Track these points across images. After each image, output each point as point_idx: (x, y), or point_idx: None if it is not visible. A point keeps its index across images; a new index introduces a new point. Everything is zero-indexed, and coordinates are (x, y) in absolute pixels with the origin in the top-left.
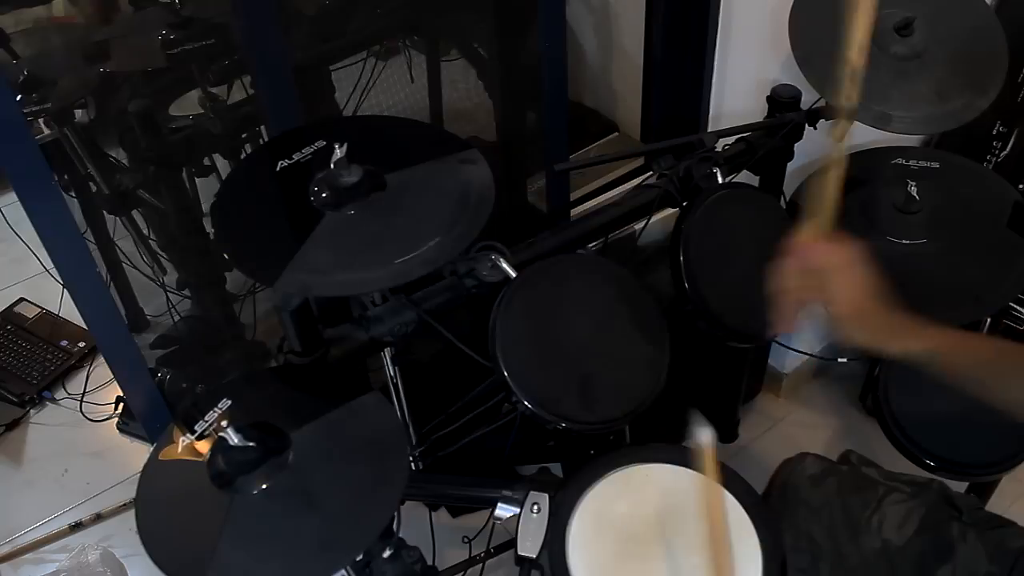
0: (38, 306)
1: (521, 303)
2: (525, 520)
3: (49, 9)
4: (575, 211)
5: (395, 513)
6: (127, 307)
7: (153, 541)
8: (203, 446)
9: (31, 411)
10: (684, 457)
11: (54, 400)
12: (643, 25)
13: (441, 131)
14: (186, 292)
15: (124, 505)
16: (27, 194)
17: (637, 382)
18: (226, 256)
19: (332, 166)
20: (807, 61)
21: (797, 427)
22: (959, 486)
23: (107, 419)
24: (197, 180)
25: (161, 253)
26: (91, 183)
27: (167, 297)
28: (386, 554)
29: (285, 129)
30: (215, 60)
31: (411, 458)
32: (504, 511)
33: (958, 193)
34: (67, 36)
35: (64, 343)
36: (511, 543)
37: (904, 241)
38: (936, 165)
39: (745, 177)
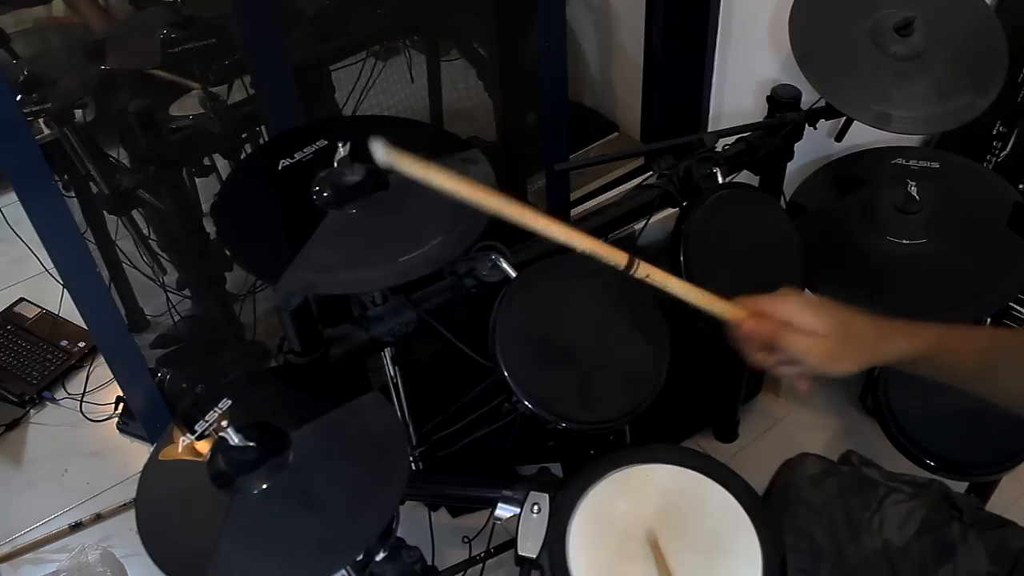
0: (38, 306)
1: (521, 303)
2: (525, 520)
3: (49, 9)
4: (575, 211)
5: (395, 513)
6: (127, 307)
7: (153, 541)
8: (203, 446)
9: (31, 411)
10: (684, 457)
11: (54, 400)
12: (643, 25)
13: (442, 131)
14: (186, 292)
15: (124, 505)
16: (27, 194)
17: (637, 382)
18: (228, 254)
19: (335, 165)
20: (807, 61)
21: (797, 427)
22: (959, 486)
23: (107, 419)
24: (197, 180)
25: (161, 253)
26: (91, 183)
27: (167, 297)
28: (386, 554)
29: (285, 129)
30: (215, 60)
31: (411, 458)
32: (504, 511)
33: (958, 193)
34: (67, 36)
35: (64, 343)
36: (511, 543)
37: (904, 241)
38: (936, 165)
39: (745, 177)
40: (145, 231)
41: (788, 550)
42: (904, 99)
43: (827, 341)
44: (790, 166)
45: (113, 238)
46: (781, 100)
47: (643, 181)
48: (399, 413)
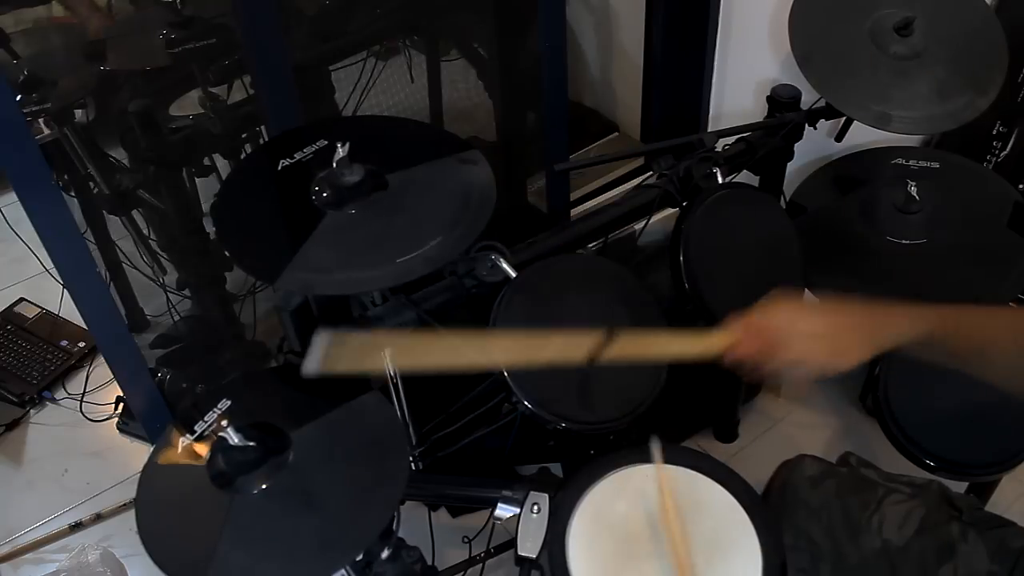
0: (38, 306)
1: (521, 303)
2: (525, 520)
3: (49, 9)
4: (575, 211)
5: (395, 513)
6: (127, 307)
7: (153, 541)
8: (202, 449)
9: (31, 411)
10: (684, 457)
11: (54, 400)
12: (643, 25)
13: (442, 131)
14: (186, 292)
15: (124, 505)
16: (27, 194)
17: (637, 382)
18: (227, 254)
19: (334, 165)
20: (807, 61)
21: (797, 427)
22: (959, 486)
23: (107, 419)
24: (197, 180)
25: (161, 253)
26: (91, 183)
27: (167, 297)
28: (386, 554)
29: (285, 129)
30: (215, 60)
31: (411, 458)
32: (504, 511)
33: (958, 193)
34: (67, 36)
35: (64, 343)
36: (511, 543)
37: (904, 241)
38: (936, 165)
39: (745, 177)
40: (145, 231)
41: (787, 550)
42: (904, 99)
43: (826, 340)
44: (790, 166)
45: (113, 238)
46: (781, 100)
47: (643, 181)
48: (399, 413)
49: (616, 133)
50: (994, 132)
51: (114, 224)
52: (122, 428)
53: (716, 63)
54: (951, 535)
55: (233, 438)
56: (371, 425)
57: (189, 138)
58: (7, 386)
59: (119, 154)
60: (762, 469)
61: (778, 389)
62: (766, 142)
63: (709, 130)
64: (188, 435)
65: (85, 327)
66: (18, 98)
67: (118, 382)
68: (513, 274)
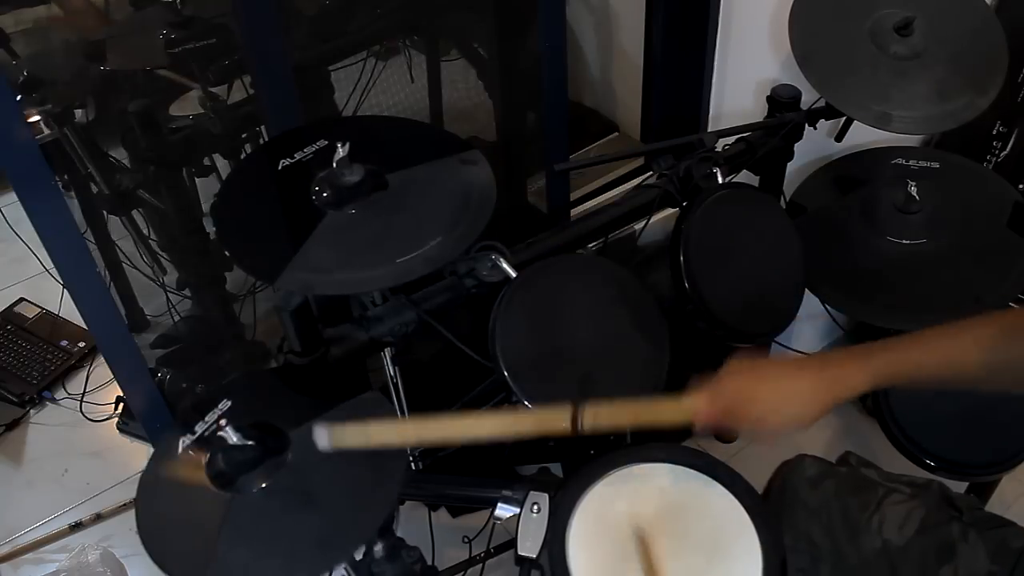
0: (38, 306)
1: (521, 303)
2: (525, 520)
3: (49, 9)
4: (575, 211)
5: (395, 513)
6: (127, 307)
7: (153, 541)
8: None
9: (31, 411)
10: (684, 457)
11: (54, 400)
12: (643, 25)
13: (442, 131)
14: (186, 292)
15: (124, 505)
16: (27, 194)
17: (637, 382)
18: (227, 254)
19: (334, 165)
20: (807, 61)
21: None
22: (959, 486)
23: (107, 419)
24: (197, 180)
25: (161, 253)
26: (91, 183)
27: (167, 297)
28: (386, 554)
29: (285, 129)
30: (215, 60)
31: (411, 458)
32: (504, 511)
33: (958, 193)
34: (67, 36)
35: (64, 343)
36: (511, 543)
37: (904, 241)
38: (936, 165)
39: (745, 177)
40: (145, 231)
41: (787, 551)
42: (904, 99)
43: (782, 404)
44: (790, 166)
45: (113, 238)
46: (781, 100)
47: (643, 181)
48: (399, 413)
49: (616, 133)
50: (994, 132)
51: (114, 224)
52: (122, 428)
53: (716, 63)
54: (951, 535)
55: (233, 438)
56: None
57: (189, 138)
58: (7, 386)
59: (119, 154)
60: (762, 469)
61: None
62: (766, 142)
63: (709, 130)
64: (188, 435)
65: (85, 327)
66: (18, 98)
67: (118, 382)
68: (513, 274)
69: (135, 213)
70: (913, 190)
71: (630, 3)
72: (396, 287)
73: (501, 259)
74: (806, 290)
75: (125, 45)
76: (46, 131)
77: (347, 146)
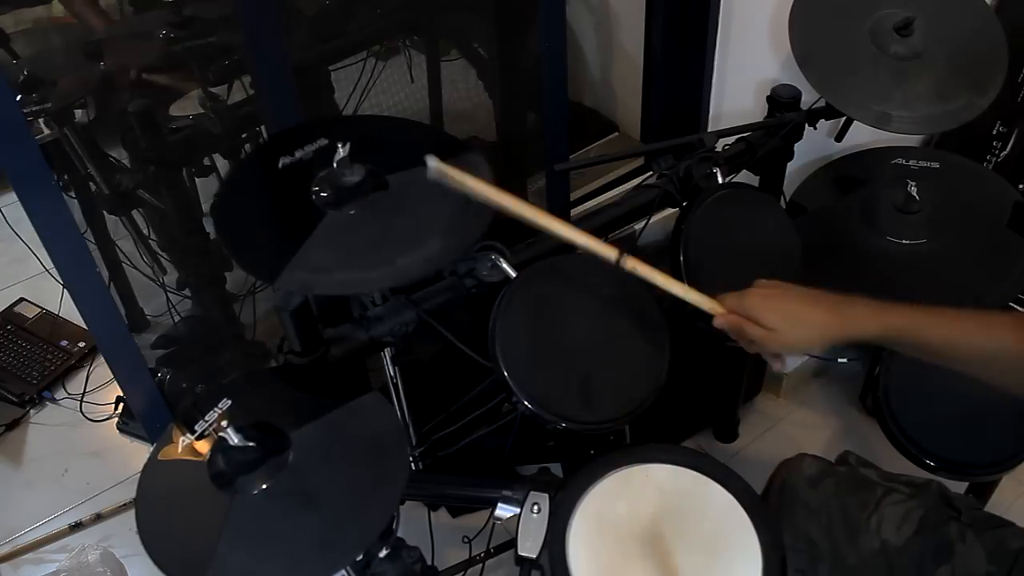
0: (38, 306)
1: (521, 303)
2: (525, 520)
3: (49, 9)
4: (575, 211)
5: (395, 513)
6: (127, 307)
7: (153, 541)
8: (203, 446)
9: (31, 411)
10: (684, 457)
11: (54, 400)
12: (643, 25)
13: (442, 132)
14: (186, 292)
15: (124, 505)
16: (27, 194)
17: (637, 382)
18: (227, 253)
19: (334, 165)
20: (807, 61)
21: (797, 427)
22: (958, 486)
23: (107, 419)
24: (197, 180)
25: (161, 253)
26: (91, 183)
27: (167, 297)
28: (386, 554)
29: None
30: (215, 60)
31: (411, 458)
32: (504, 511)
33: (958, 193)
34: (67, 36)
35: (64, 343)
36: (511, 543)
37: (904, 241)
38: (936, 165)
39: (745, 177)
40: (145, 231)
41: (787, 550)
42: (904, 99)
43: (777, 333)
44: (790, 166)
45: (113, 238)
46: (781, 100)
47: (643, 181)
48: (399, 413)
49: (616, 133)
50: (994, 132)
51: (114, 224)
52: (122, 428)
53: (716, 63)
54: (949, 535)
55: (233, 438)
56: (371, 425)
57: (189, 138)
58: (7, 386)
59: (119, 154)
60: (762, 469)
61: (778, 389)
62: (766, 142)
63: (709, 130)
64: (188, 435)
65: (85, 327)
66: (18, 98)
67: (118, 382)
68: (513, 274)
69: (135, 213)
70: (913, 190)
71: (630, 3)
72: (396, 287)
73: (501, 259)
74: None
75: (125, 45)
76: (46, 131)
77: (347, 146)
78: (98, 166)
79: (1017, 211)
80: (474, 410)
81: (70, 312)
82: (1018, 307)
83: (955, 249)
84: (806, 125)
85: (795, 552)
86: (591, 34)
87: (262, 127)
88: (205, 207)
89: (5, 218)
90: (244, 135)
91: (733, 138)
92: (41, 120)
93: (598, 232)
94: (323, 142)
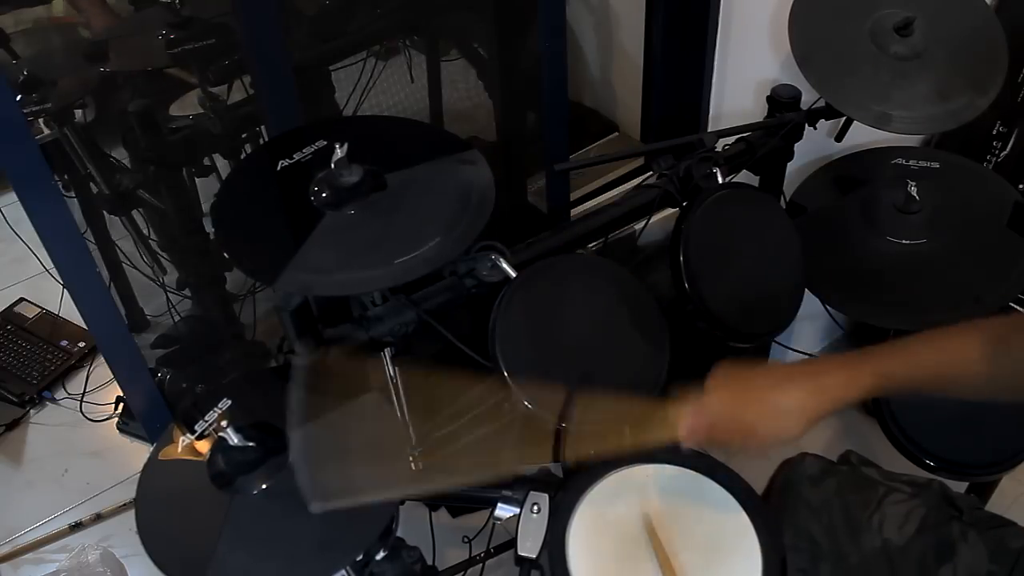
0: (38, 306)
1: (521, 303)
2: (525, 520)
3: (49, 9)
4: (575, 211)
5: (395, 513)
6: (127, 307)
7: (153, 541)
8: (203, 446)
9: (31, 411)
10: (684, 457)
11: (54, 400)
12: (643, 25)
13: (441, 131)
14: (186, 292)
15: (124, 505)
16: (27, 194)
17: (637, 382)
18: (226, 255)
19: (333, 166)
20: (807, 61)
21: None
22: (959, 486)
23: (107, 419)
24: (197, 180)
25: (161, 253)
26: (91, 183)
27: (167, 297)
28: (386, 554)
29: (285, 129)
30: (215, 60)
31: (411, 458)
32: (504, 511)
33: (958, 193)
34: (67, 36)
35: (64, 343)
36: (511, 543)
37: (904, 241)
38: (936, 165)
39: (745, 177)
40: (145, 231)
41: (787, 550)
42: (904, 99)
43: (755, 435)
44: (790, 166)
45: (113, 238)
46: (781, 100)
47: (643, 181)
48: (399, 413)
49: (616, 133)
50: (994, 132)
51: (114, 224)
52: (122, 428)
53: (716, 63)
54: (951, 535)
55: (233, 438)
56: (371, 425)
57: (189, 138)
58: (7, 386)
59: (119, 154)
60: (762, 469)
61: None
62: (766, 142)
63: (709, 130)
64: (188, 435)
65: (85, 327)
66: (18, 98)
67: (118, 382)
68: (513, 274)
69: (135, 213)
70: (913, 190)
71: (630, 3)
72: (396, 287)
73: (501, 259)
74: (806, 290)
75: (125, 45)
76: (46, 131)
77: (345, 147)
78: (98, 166)
79: (1017, 211)
80: (474, 410)
81: (70, 312)
82: (1018, 307)
83: (955, 249)
84: (806, 125)
85: (797, 551)
86: (591, 34)
87: (262, 127)
88: (205, 207)
89: (5, 218)
90: (244, 135)
91: (733, 138)
92: (41, 120)
93: (598, 232)
94: (322, 143)
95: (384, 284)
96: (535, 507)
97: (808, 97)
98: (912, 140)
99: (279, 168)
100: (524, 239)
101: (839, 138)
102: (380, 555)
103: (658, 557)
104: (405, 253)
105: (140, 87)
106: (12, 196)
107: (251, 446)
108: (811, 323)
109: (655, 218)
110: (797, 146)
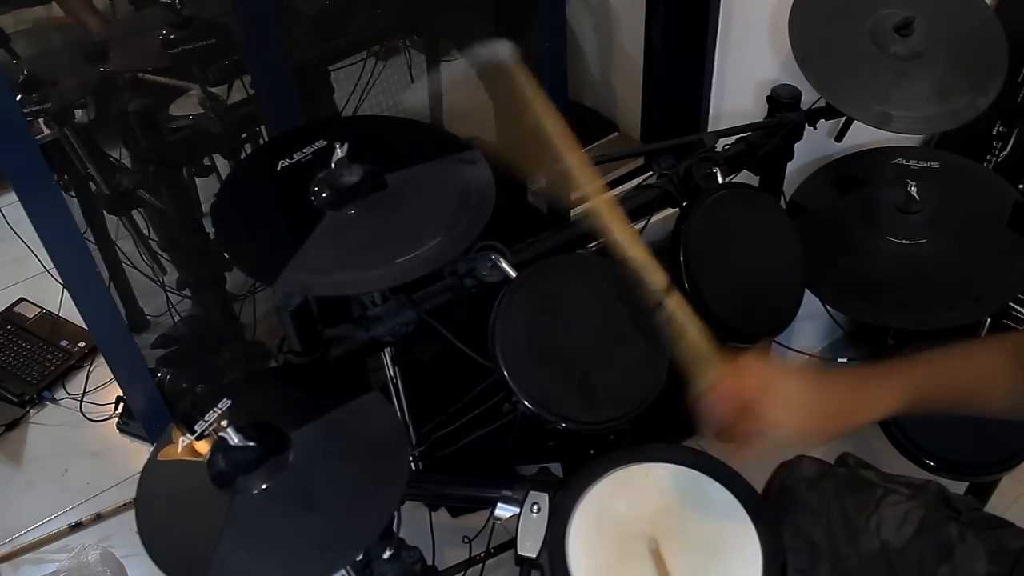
0: (38, 306)
1: (521, 303)
2: (525, 520)
3: (49, 9)
4: (575, 211)
5: (395, 513)
6: (127, 307)
7: (153, 541)
8: (203, 446)
9: (31, 411)
10: (684, 457)
11: (54, 400)
12: (643, 25)
13: (441, 131)
14: (186, 292)
15: (124, 505)
16: (27, 194)
17: (637, 382)
18: (226, 255)
19: (333, 166)
20: (807, 61)
21: None
22: (958, 487)
23: (107, 419)
24: (197, 180)
25: (161, 253)
26: (91, 183)
27: (167, 297)
28: (386, 554)
29: (285, 129)
30: (215, 60)
31: (411, 458)
32: (504, 511)
33: (958, 193)
34: (67, 36)
35: (64, 343)
36: (511, 543)
37: (904, 241)
38: (936, 165)
39: (745, 177)
40: (145, 231)
41: (787, 551)
42: (904, 99)
43: (802, 412)
44: (790, 166)
45: (113, 238)
46: (781, 100)
47: (643, 181)
48: (399, 413)
49: (616, 133)
50: (994, 132)
51: (114, 224)
52: (122, 428)
53: (716, 63)
54: (949, 536)
55: (233, 438)
56: (371, 425)
57: (189, 138)
58: (7, 386)
59: (119, 154)
60: (762, 469)
61: None
62: (766, 142)
63: (709, 130)
64: (188, 435)
65: (85, 327)
66: (18, 98)
67: (118, 382)
68: (513, 274)
69: (135, 213)
70: (913, 190)
71: (630, 3)
72: (396, 287)
73: (501, 259)
74: (806, 290)
75: (125, 46)
76: (46, 131)
77: (345, 147)
78: (98, 166)
79: (1017, 211)
80: (474, 410)
81: (70, 312)
82: (1018, 307)
83: (955, 249)
84: (806, 125)
85: (796, 552)
86: (591, 34)
87: (262, 127)
88: (205, 207)
89: (5, 218)
90: (244, 135)
91: (733, 138)
92: (41, 120)
93: (598, 232)
94: (322, 143)
95: (384, 284)
96: (535, 507)
97: (808, 97)
98: (912, 140)
99: (279, 168)
100: (524, 239)
101: (839, 138)
102: (381, 555)
103: (658, 558)
104: (405, 253)
105: (140, 87)
106: (12, 196)
107: (251, 446)
108: (811, 323)
109: (655, 218)
110: (797, 146)
